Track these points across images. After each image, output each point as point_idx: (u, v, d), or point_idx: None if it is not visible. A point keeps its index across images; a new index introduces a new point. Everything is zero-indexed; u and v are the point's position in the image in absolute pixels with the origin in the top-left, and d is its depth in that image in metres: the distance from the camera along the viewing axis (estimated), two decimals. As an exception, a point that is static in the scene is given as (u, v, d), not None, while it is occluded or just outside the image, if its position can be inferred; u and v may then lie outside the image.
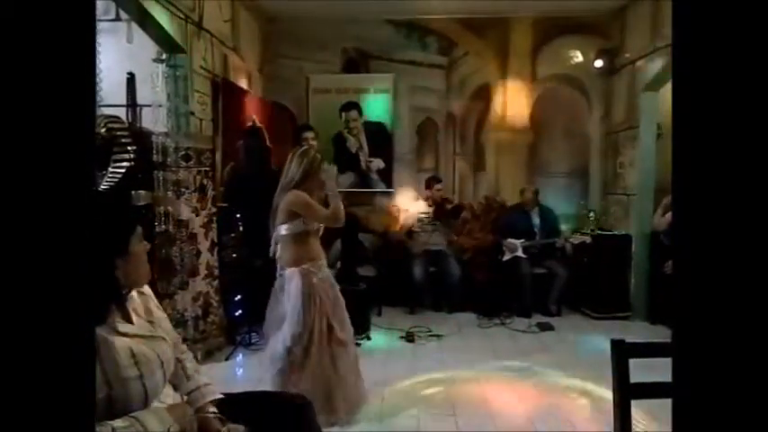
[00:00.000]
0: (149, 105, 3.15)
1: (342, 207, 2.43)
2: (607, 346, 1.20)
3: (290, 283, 2.39)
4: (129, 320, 1.12)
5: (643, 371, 1.16)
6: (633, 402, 1.18)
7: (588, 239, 4.33)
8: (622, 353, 1.20)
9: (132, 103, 3.18)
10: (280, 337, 2.39)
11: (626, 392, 1.19)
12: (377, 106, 4.97)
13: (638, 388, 1.19)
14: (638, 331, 3.99)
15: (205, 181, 3.37)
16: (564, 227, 4.66)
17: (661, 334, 3.83)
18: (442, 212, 4.63)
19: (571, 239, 4.39)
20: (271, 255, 2.55)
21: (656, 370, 1.03)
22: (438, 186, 4.65)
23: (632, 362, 1.18)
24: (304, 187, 2.40)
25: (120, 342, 1.05)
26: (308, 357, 2.37)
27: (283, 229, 2.41)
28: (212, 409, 1.27)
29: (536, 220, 4.52)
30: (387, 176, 5.01)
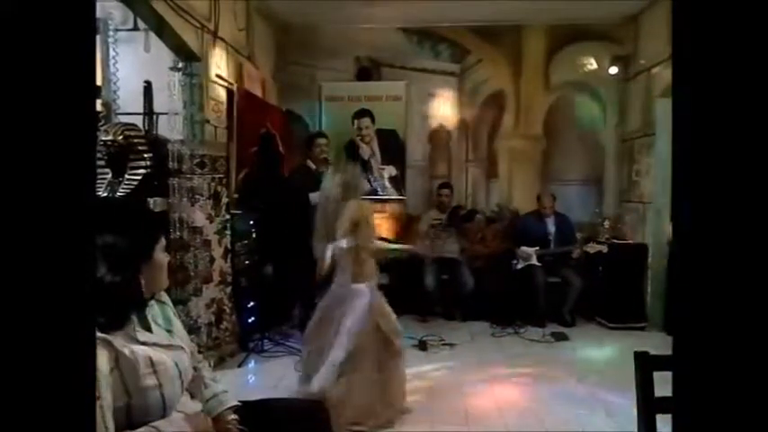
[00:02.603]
0: (166, 113, 3.19)
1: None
2: (622, 356, 1.17)
3: (359, 298, 2.42)
4: (149, 329, 1.13)
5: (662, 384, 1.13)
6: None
7: (605, 249, 4.27)
8: (646, 365, 1.18)
9: (149, 111, 3.22)
10: (340, 342, 2.41)
11: (650, 406, 1.16)
12: (389, 114, 4.98)
13: (663, 402, 1.16)
14: (654, 342, 3.90)
15: (219, 188, 3.40)
16: (578, 235, 4.61)
17: (679, 345, 3.76)
18: (455, 219, 4.61)
19: (587, 248, 4.34)
20: (322, 273, 2.58)
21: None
22: (444, 192, 4.64)
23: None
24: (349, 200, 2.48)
25: (139, 351, 1.05)
26: (361, 364, 2.42)
27: (344, 243, 2.44)
28: (232, 416, 1.26)
29: (551, 228, 4.47)
30: (399, 184, 5.01)
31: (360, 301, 2.41)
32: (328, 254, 2.54)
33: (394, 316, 2.57)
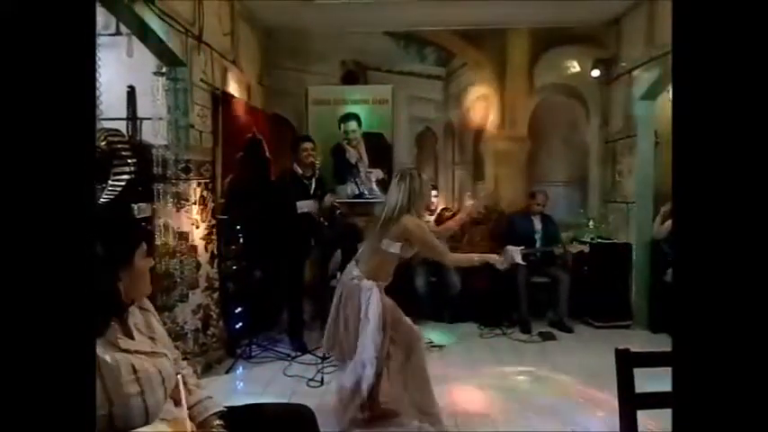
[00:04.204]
0: (150, 118, 3.15)
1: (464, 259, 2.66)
2: (608, 354, 1.19)
3: (368, 293, 2.40)
4: (131, 336, 1.12)
5: (648, 380, 1.16)
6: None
7: (586, 248, 4.33)
8: (627, 362, 1.20)
9: (132, 117, 3.18)
10: (362, 347, 2.37)
11: (631, 402, 1.18)
12: (376, 117, 4.99)
13: (643, 398, 1.18)
14: (639, 340, 3.97)
15: (205, 193, 3.38)
16: (563, 235, 4.66)
17: (663, 342, 3.82)
18: (441, 221, 4.62)
19: (569, 248, 4.39)
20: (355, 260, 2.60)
21: (661, 379, 1.02)
22: (433, 193, 4.66)
23: (637, 370, 1.18)
24: (412, 211, 2.42)
25: (121, 358, 1.04)
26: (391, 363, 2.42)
27: (384, 244, 2.42)
28: (217, 422, 1.26)
29: (538, 227, 4.51)
30: (386, 187, 5.00)
31: (371, 296, 2.41)
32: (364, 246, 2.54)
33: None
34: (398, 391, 2.42)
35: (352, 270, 2.49)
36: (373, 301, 2.37)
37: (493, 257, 2.54)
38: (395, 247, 2.42)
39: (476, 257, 2.60)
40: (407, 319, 2.53)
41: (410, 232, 2.38)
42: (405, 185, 2.43)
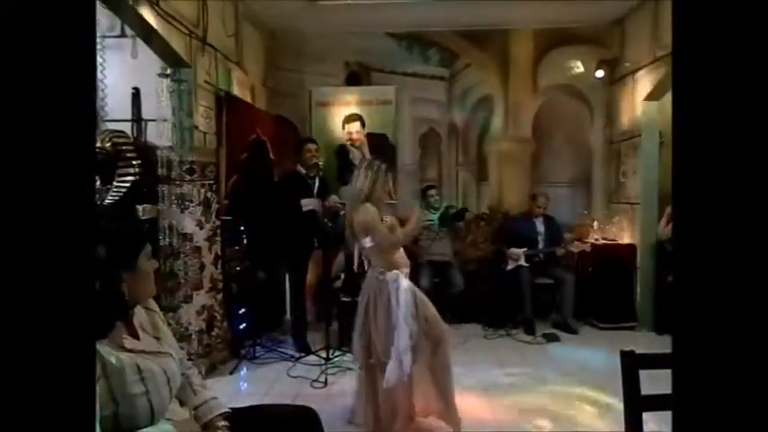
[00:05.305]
0: (154, 120, 3.17)
1: (410, 233, 2.55)
2: (613, 355, 1.19)
3: (395, 284, 2.38)
4: (136, 336, 1.12)
5: (653, 382, 1.15)
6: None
7: (588, 247, 4.31)
8: (632, 364, 1.19)
9: (137, 118, 3.20)
10: (401, 334, 2.31)
11: (637, 404, 1.18)
12: (379, 118, 4.99)
13: (649, 400, 1.17)
14: (644, 341, 3.95)
15: (209, 194, 3.39)
16: (567, 236, 4.64)
17: (668, 344, 3.76)
18: (446, 218, 4.63)
19: (571, 248, 4.38)
20: (356, 268, 2.60)
21: (666, 381, 1.01)
22: (431, 192, 4.67)
23: (642, 372, 1.17)
24: (374, 198, 2.45)
25: (126, 358, 1.04)
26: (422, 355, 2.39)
27: (367, 242, 2.44)
28: (222, 422, 1.26)
29: (541, 228, 4.50)
30: (390, 188, 5.02)
31: (399, 285, 2.37)
32: (356, 252, 2.55)
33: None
34: (422, 387, 2.40)
35: (373, 272, 2.48)
36: (402, 289, 2.36)
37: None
38: (371, 241, 2.43)
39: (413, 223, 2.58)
40: (437, 314, 2.50)
41: (361, 222, 2.41)
42: (371, 174, 2.48)
